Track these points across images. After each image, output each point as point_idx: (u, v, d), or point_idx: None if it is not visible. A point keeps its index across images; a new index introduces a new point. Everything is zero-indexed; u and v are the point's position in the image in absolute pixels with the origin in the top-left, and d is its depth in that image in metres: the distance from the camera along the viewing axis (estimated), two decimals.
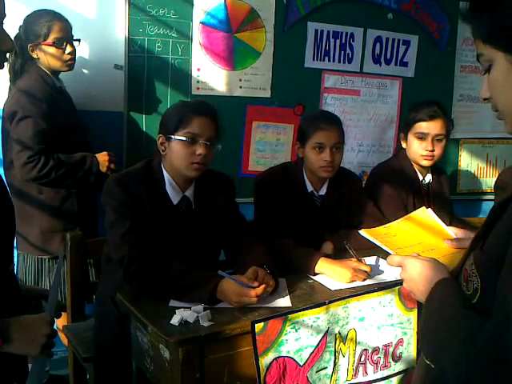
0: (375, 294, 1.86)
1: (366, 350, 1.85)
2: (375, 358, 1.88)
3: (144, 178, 2.00)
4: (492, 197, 3.02)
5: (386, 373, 1.92)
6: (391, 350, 1.92)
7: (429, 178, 2.71)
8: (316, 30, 3.28)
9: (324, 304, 1.73)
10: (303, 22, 3.24)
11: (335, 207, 2.45)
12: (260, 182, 2.43)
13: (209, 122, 1.98)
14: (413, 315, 1.96)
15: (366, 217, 2.45)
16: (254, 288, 1.70)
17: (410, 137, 2.61)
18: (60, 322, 2.42)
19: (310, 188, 2.42)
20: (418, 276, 1.20)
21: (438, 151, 2.57)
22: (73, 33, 2.59)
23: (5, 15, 1.26)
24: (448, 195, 2.86)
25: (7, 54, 1.31)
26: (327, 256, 2.11)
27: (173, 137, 1.95)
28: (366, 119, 3.53)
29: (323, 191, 2.43)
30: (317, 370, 1.73)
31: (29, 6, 2.58)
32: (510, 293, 0.90)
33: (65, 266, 2.34)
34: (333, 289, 1.93)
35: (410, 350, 1.96)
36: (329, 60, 3.36)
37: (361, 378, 1.84)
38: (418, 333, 1.12)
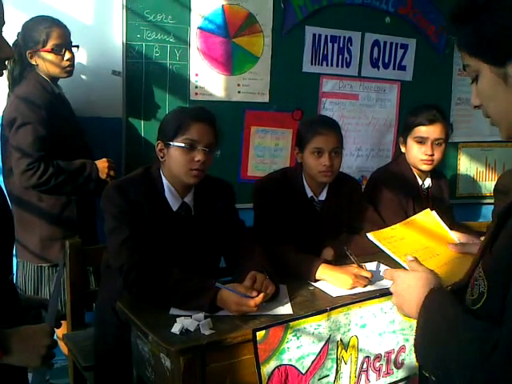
0: (376, 300, 1.86)
1: (368, 357, 1.84)
2: (377, 365, 1.87)
3: (143, 184, 1.99)
4: (491, 200, 3.02)
5: (388, 380, 1.91)
6: (393, 356, 1.91)
7: (428, 182, 2.70)
8: (314, 35, 3.28)
9: (325, 311, 1.72)
10: (301, 27, 3.24)
11: (335, 212, 2.44)
12: (259, 187, 2.42)
13: (207, 128, 1.97)
14: (415, 321, 1.95)
15: (366, 222, 2.45)
16: (253, 297, 1.69)
17: (410, 141, 2.61)
18: (60, 331, 2.40)
19: (309, 193, 2.41)
20: (406, 290, 1.20)
21: (437, 155, 2.57)
22: (71, 39, 2.58)
23: (4, 22, 1.25)
24: (448, 200, 2.85)
25: (6, 62, 1.31)
26: (328, 262, 2.10)
27: (171, 143, 1.94)
28: (364, 123, 3.52)
29: (323, 196, 2.43)
30: (319, 378, 1.73)
31: (27, 13, 2.57)
32: None
33: (64, 274, 2.33)
34: (334, 295, 1.93)
35: (412, 356, 1.95)
36: (327, 64, 3.36)
37: None
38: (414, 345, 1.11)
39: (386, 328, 1.88)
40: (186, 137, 1.93)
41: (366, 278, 2.00)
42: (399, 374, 1.93)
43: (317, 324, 1.70)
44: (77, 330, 2.35)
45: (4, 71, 1.30)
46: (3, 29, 1.26)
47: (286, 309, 1.79)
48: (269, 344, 1.60)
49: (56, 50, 2.51)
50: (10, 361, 1.25)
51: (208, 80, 3.08)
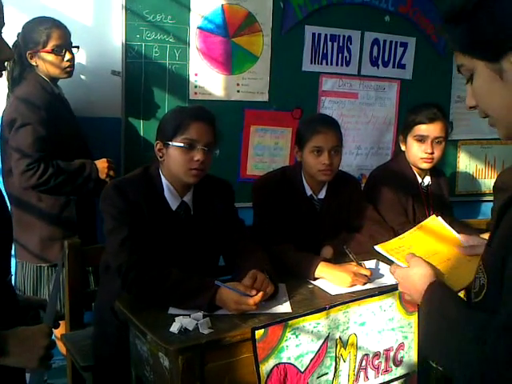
0: (376, 298, 1.86)
1: (366, 354, 1.85)
2: (376, 362, 1.87)
3: (142, 184, 1.99)
4: (491, 198, 3.02)
5: (387, 377, 1.91)
6: (392, 354, 1.91)
7: (428, 180, 2.70)
8: (313, 34, 3.28)
9: (324, 309, 1.72)
10: (300, 26, 3.24)
11: (334, 211, 2.44)
12: (259, 186, 2.43)
13: (206, 127, 1.97)
14: (413, 319, 1.95)
15: (366, 220, 2.45)
16: (252, 296, 1.69)
17: (410, 139, 2.61)
18: (58, 331, 2.40)
19: (309, 192, 2.41)
20: (408, 286, 1.25)
21: (437, 153, 2.57)
22: (71, 40, 2.59)
23: (4, 24, 1.26)
24: (447, 197, 2.85)
25: (5, 63, 1.31)
26: (327, 260, 2.10)
27: (171, 143, 1.94)
28: (364, 122, 3.52)
29: (322, 195, 2.43)
30: (318, 376, 1.73)
31: (26, 14, 2.58)
32: None
33: (63, 274, 2.33)
34: (333, 293, 1.93)
35: (411, 354, 1.95)
36: (326, 63, 3.36)
37: (362, 383, 1.83)
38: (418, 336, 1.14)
39: (384, 326, 1.88)
40: (185, 136, 1.93)
41: (365, 276, 2.00)
42: (398, 372, 1.93)
43: (316, 322, 1.70)
44: (75, 329, 2.35)
45: (3, 72, 1.30)
46: (3, 30, 1.26)
47: (284, 307, 1.79)
48: (268, 342, 1.60)
49: (56, 51, 2.51)
50: (7, 362, 1.25)
51: (207, 80, 3.08)
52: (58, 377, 2.70)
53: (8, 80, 2.55)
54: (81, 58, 2.78)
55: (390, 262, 2.19)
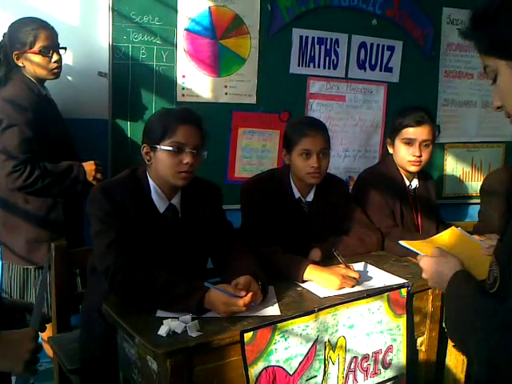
0: (364, 300, 1.86)
1: (355, 357, 1.85)
2: (365, 365, 1.87)
3: (129, 186, 1.97)
4: (478, 201, 3.03)
5: (376, 380, 1.91)
6: (381, 356, 1.91)
7: (415, 183, 2.71)
8: (301, 37, 3.28)
9: (313, 312, 1.72)
10: (288, 29, 3.24)
11: (323, 213, 2.44)
12: (246, 188, 2.42)
13: (194, 129, 1.96)
14: (402, 321, 1.96)
15: (354, 223, 2.46)
16: (242, 297, 1.69)
17: (397, 142, 2.62)
18: (45, 334, 2.38)
19: (297, 194, 2.41)
20: (434, 275, 1.36)
21: (425, 156, 2.58)
22: (58, 41, 2.56)
23: None
24: (435, 200, 2.86)
25: None
26: (315, 263, 2.10)
27: (158, 147, 1.92)
28: (351, 125, 3.53)
29: (310, 197, 2.43)
30: (307, 379, 1.73)
31: (11, 14, 2.55)
32: None
33: (50, 276, 2.30)
34: (322, 296, 1.92)
35: (399, 356, 1.96)
36: (314, 66, 3.36)
37: None
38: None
39: (373, 328, 1.88)
40: (173, 140, 1.91)
41: (354, 278, 2.00)
42: (387, 374, 1.94)
43: (304, 325, 1.70)
44: (62, 332, 2.32)
45: None
46: None
47: (273, 310, 1.78)
48: (256, 345, 1.60)
49: (43, 52, 2.48)
50: None
51: (195, 81, 3.07)
52: (45, 380, 2.67)
53: None
54: (67, 59, 2.76)
55: (378, 265, 2.21)
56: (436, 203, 2.88)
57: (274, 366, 1.64)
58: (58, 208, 2.55)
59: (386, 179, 2.65)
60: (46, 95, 2.57)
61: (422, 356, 2.16)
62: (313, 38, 3.32)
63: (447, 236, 1.84)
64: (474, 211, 3.70)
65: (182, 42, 3.01)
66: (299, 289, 2.00)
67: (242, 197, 2.40)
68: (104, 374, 1.96)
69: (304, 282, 2.04)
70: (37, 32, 2.46)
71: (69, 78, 2.85)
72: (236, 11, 3.10)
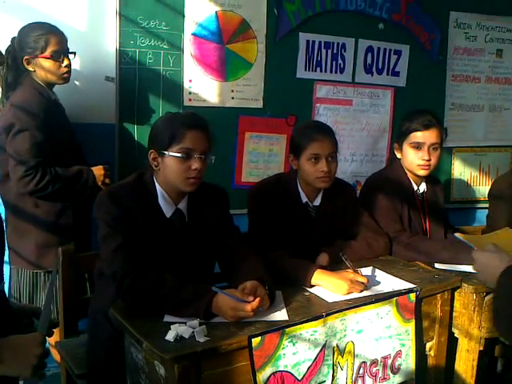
0: (372, 305, 1.85)
1: (364, 362, 1.84)
2: (374, 370, 1.86)
3: (136, 191, 1.97)
4: (486, 205, 3.02)
5: None
6: (390, 361, 1.90)
7: (423, 187, 2.70)
8: (307, 41, 3.28)
9: (321, 317, 1.71)
10: (295, 33, 3.24)
11: (330, 218, 2.43)
12: (254, 193, 2.42)
13: (201, 134, 1.95)
14: (410, 326, 1.94)
15: (362, 227, 2.44)
16: (250, 302, 1.68)
17: (406, 147, 2.60)
18: (52, 339, 2.38)
19: (304, 199, 2.40)
20: (483, 267, 1.41)
21: (434, 160, 2.57)
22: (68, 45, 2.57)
23: None
24: (443, 205, 2.85)
25: None
26: (323, 267, 2.09)
27: (166, 153, 1.91)
28: (358, 129, 3.53)
29: (317, 202, 2.42)
30: None
31: (19, 19, 2.56)
32: None
33: (58, 281, 2.30)
34: (330, 301, 1.91)
35: (408, 361, 1.94)
36: (321, 70, 3.36)
37: None
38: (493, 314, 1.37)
39: (382, 333, 1.87)
40: (182, 146, 1.90)
41: (362, 283, 1.99)
42: (396, 379, 1.92)
43: (313, 330, 1.69)
44: (70, 337, 2.32)
45: None
46: None
47: (281, 315, 1.77)
48: (264, 350, 1.59)
49: (54, 57, 2.49)
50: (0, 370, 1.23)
51: (202, 86, 3.08)
52: None
53: (1, 86, 2.53)
54: (75, 63, 2.76)
55: (386, 270, 2.19)
56: (444, 207, 2.87)
57: (282, 371, 1.63)
58: (67, 212, 2.55)
59: (393, 183, 2.64)
60: (55, 100, 2.58)
61: (431, 361, 2.14)
62: (319, 42, 3.32)
63: (502, 235, 1.87)
64: (482, 215, 3.69)
65: (188, 46, 3.01)
66: (307, 294, 1.99)
67: (249, 201, 2.40)
68: (111, 378, 1.95)
69: (312, 286, 2.03)
70: (48, 37, 2.46)
71: (76, 82, 2.86)
72: (243, 16, 3.10)
